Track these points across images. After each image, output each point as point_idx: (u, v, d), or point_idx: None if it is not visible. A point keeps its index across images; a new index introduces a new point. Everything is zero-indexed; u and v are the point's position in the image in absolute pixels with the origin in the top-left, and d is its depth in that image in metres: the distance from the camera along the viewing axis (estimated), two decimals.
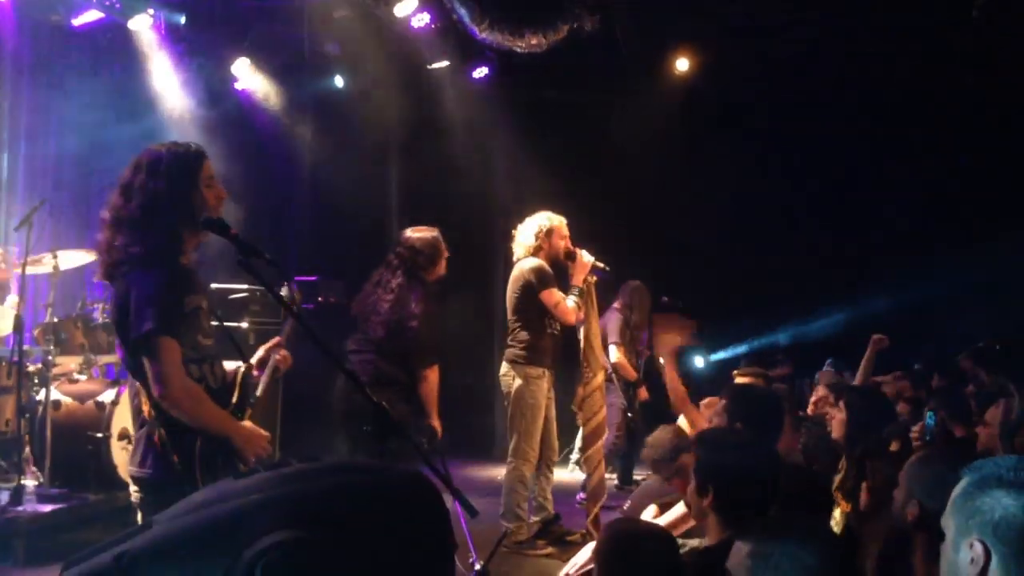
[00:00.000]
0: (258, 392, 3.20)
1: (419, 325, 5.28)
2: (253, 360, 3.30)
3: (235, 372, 3.14)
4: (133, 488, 2.99)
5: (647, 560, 2.70)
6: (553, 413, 6.18)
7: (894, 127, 9.47)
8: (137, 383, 2.96)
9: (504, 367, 6.06)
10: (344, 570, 1.27)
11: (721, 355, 9.85)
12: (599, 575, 2.80)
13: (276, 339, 3.44)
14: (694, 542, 3.21)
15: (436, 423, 5.41)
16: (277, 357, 3.36)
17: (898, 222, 9.49)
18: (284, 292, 3.38)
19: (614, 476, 8.21)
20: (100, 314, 6.66)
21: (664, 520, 3.54)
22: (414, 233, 5.52)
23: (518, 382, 5.93)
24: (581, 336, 5.96)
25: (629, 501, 5.12)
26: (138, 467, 2.93)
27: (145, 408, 2.91)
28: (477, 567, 5.09)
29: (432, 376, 5.36)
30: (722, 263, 9.88)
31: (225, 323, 3.35)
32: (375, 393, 5.21)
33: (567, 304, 5.87)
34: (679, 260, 9.78)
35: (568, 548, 5.71)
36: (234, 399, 3.07)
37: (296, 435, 7.64)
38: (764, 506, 2.92)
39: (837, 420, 5.02)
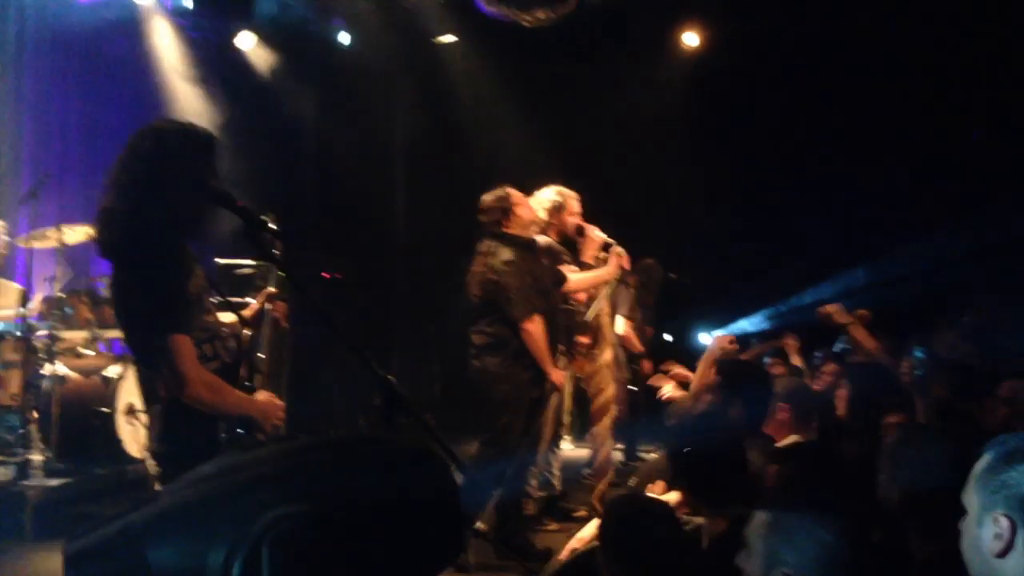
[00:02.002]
0: (261, 353, 3.17)
1: (505, 278, 5.26)
2: (247, 312, 3.27)
3: (242, 339, 3.11)
4: (151, 463, 2.98)
5: (649, 535, 2.69)
6: (568, 389, 6.16)
7: (906, 101, 9.39)
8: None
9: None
10: (351, 544, 1.26)
11: (727, 331, 9.80)
12: (602, 551, 2.79)
13: (268, 289, 3.40)
14: (700, 520, 3.20)
15: (557, 375, 5.40)
16: (271, 309, 3.33)
17: (912, 195, 9.40)
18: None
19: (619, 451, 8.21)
20: (106, 289, 6.65)
21: (673, 497, 3.53)
22: (484, 196, 5.54)
23: None
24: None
25: (635, 477, 5.13)
26: (159, 442, 2.91)
27: (163, 392, 2.88)
28: (478, 525, 5.15)
29: (532, 327, 5.26)
30: (731, 239, 9.84)
31: (231, 299, 3.30)
32: (483, 361, 5.30)
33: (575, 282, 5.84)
34: (687, 236, 9.75)
35: (574, 524, 5.72)
36: (243, 368, 3.05)
37: (303, 410, 7.65)
38: (738, 487, 2.95)
39: (839, 397, 5.02)
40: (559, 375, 5.44)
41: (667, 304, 8.75)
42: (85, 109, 8.26)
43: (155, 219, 2.81)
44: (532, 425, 5.43)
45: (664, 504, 3.09)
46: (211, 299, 3.01)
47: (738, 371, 4.42)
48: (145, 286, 2.80)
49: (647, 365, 8.26)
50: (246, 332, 3.11)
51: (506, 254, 5.33)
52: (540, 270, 5.47)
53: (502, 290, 5.27)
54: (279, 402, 3.04)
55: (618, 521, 2.83)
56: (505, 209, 5.44)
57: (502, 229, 5.42)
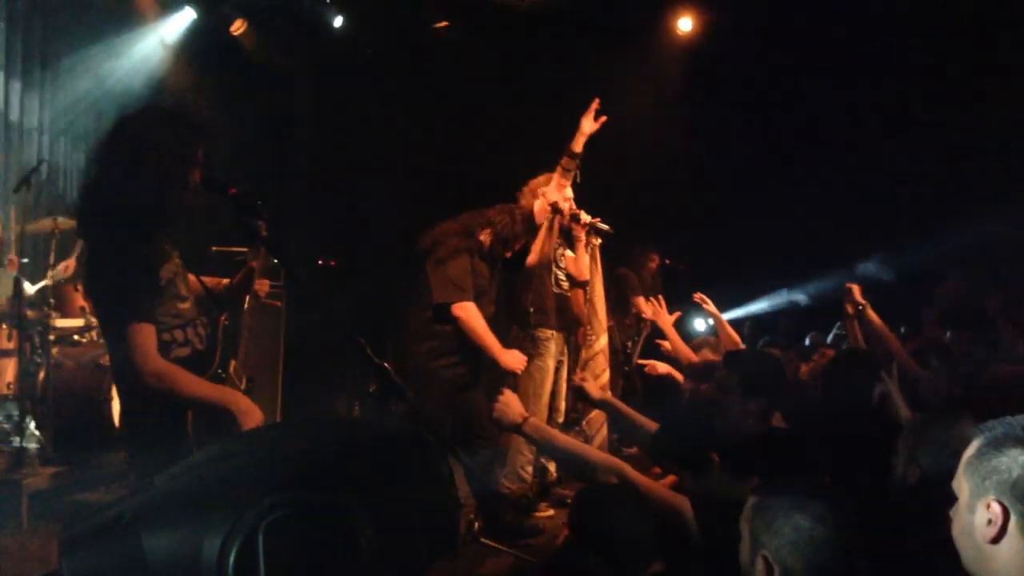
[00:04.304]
0: (243, 328, 3.18)
1: (445, 261, 5.10)
2: (230, 280, 3.29)
3: (219, 325, 3.11)
4: (124, 449, 3.00)
5: (617, 520, 2.68)
6: (564, 375, 6.15)
7: (900, 88, 9.38)
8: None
9: (514, 330, 6.02)
10: (346, 529, 1.26)
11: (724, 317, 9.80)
12: (574, 539, 2.77)
13: (251, 263, 3.41)
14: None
15: (507, 358, 5.16)
16: (257, 285, 3.34)
17: (905, 182, 9.39)
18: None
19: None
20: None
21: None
22: (510, 214, 5.41)
23: (527, 345, 5.89)
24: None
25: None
26: (126, 423, 2.92)
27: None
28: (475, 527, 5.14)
29: (463, 313, 5.06)
30: (725, 225, 9.84)
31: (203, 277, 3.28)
32: (414, 348, 5.17)
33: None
34: (681, 221, 9.74)
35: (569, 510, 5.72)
36: (217, 355, 3.05)
37: (299, 395, 7.65)
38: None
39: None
40: (510, 358, 5.22)
41: (661, 290, 8.73)
42: (77, 93, 8.23)
43: (132, 203, 2.81)
44: (473, 421, 5.24)
45: (626, 489, 3.03)
46: (186, 285, 3.01)
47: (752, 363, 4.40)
48: (111, 271, 2.81)
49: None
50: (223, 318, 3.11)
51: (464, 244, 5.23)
52: (480, 279, 5.29)
53: (432, 272, 5.14)
54: (260, 412, 2.94)
55: (585, 508, 2.82)
56: (506, 240, 5.32)
57: (476, 233, 5.30)
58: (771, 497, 1.97)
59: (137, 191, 2.80)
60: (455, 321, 5.08)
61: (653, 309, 5.72)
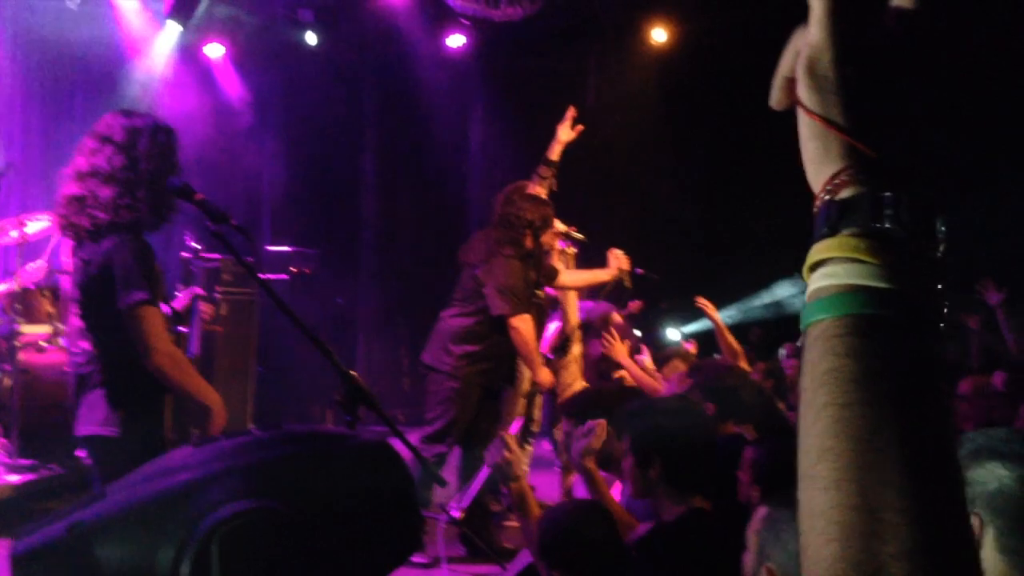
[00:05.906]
0: (195, 350, 3.27)
1: (502, 271, 5.15)
2: (177, 305, 3.41)
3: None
4: (86, 450, 3.01)
5: (587, 541, 2.66)
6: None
7: None
8: (83, 344, 2.97)
9: None
10: (303, 540, 1.24)
11: (695, 327, 9.84)
12: (540, 560, 2.74)
13: (194, 288, 3.56)
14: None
15: (544, 375, 5.27)
16: (201, 308, 3.48)
17: None
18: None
19: None
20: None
21: None
22: (548, 212, 5.46)
23: None
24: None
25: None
26: (99, 425, 2.92)
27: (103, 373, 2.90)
28: (456, 515, 5.11)
29: (521, 325, 5.13)
30: (700, 232, 9.88)
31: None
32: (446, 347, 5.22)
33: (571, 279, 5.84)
34: (657, 229, 9.78)
35: None
36: None
37: (270, 405, 7.61)
38: (713, 470, 2.91)
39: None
40: (545, 375, 5.33)
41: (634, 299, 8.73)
42: (48, 98, 8.16)
43: (130, 204, 2.92)
44: (489, 424, 5.30)
45: (599, 506, 3.01)
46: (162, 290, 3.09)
47: (712, 373, 4.39)
48: (126, 259, 2.88)
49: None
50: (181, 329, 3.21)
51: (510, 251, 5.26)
52: (530, 286, 5.38)
53: (493, 277, 5.18)
54: (224, 411, 3.06)
55: (551, 527, 2.79)
56: (540, 231, 5.34)
57: (524, 240, 5.30)
58: (781, 509, 1.94)
59: (131, 192, 2.87)
60: (507, 330, 5.14)
61: (606, 343, 5.63)
